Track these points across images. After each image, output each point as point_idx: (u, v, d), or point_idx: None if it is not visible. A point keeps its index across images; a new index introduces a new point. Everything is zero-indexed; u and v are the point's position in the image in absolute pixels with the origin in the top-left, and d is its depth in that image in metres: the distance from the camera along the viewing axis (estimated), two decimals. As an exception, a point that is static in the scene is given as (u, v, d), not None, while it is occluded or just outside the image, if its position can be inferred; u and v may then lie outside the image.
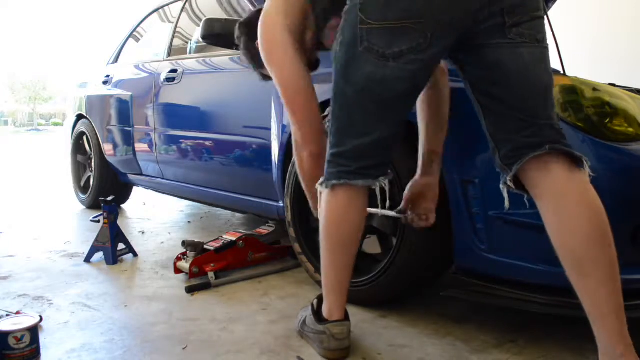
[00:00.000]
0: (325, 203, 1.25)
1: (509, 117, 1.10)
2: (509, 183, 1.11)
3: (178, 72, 2.60)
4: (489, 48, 1.09)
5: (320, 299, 1.35)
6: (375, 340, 1.38)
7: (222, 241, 2.01)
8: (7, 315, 1.37)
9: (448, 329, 1.46)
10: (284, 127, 1.88)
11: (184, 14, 2.88)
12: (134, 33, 3.49)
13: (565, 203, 1.05)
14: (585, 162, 1.07)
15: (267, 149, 2.02)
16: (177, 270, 1.91)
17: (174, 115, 2.67)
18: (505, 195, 1.15)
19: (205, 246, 1.95)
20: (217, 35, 2.04)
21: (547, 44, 1.12)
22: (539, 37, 1.10)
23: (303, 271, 1.80)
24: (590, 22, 4.40)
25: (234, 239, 2.01)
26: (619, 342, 1.01)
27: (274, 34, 1.33)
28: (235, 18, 2.26)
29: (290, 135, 1.85)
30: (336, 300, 1.29)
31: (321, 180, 1.25)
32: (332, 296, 1.29)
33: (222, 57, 2.37)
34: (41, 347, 1.27)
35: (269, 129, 1.99)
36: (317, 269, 1.73)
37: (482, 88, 1.13)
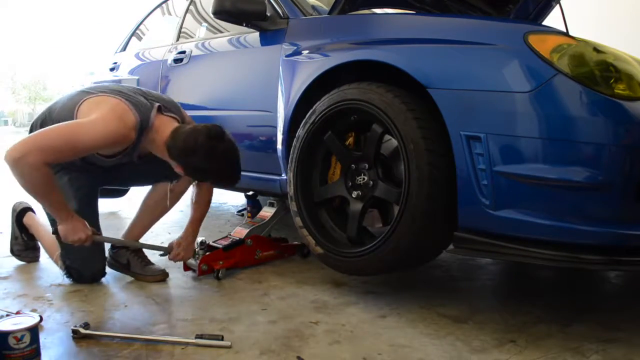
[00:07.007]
0: None
1: None
2: None
3: (186, 53, 2.69)
4: None
5: None
6: (375, 340, 1.38)
7: (230, 239, 2.05)
8: (7, 315, 1.37)
9: (448, 329, 1.46)
10: (290, 102, 1.93)
11: (192, 6, 2.99)
12: (144, 22, 3.61)
13: None
14: None
15: (274, 123, 2.05)
16: (186, 268, 1.94)
17: (182, 95, 2.69)
18: None
19: (213, 244, 1.99)
20: (228, 11, 2.07)
21: None
22: None
23: (303, 271, 1.80)
24: (590, 22, 4.40)
25: (241, 237, 2.06)
26: None
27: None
28: None
29: (295, 109, 1.90)
30: None
31: None
32: None
33: (222, 39, 2.42)
34: (41, 347, 1.27)
35: (276, 102, 2.03)
36: (318, 242, 1.75)
37: None
